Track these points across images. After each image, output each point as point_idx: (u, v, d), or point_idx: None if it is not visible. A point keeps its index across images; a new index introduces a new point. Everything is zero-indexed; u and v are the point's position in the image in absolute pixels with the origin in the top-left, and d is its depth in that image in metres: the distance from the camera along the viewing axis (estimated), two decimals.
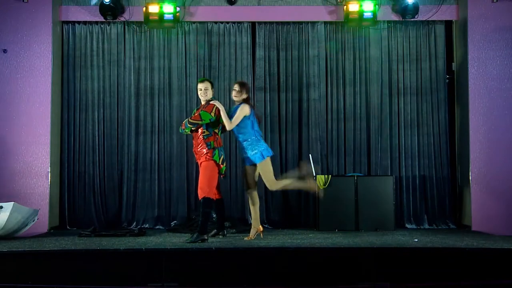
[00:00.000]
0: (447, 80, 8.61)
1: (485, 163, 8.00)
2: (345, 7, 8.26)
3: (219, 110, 6.48)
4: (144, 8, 8.20)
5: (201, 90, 6.60)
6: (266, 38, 8.59)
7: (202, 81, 6.67)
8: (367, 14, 8.16)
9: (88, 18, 8.42)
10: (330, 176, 7.70)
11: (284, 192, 8.42)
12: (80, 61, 8.51)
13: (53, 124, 8.12)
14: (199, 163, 6.60)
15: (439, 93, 8.54)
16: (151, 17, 8.15)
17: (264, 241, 6.32)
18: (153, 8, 8.12)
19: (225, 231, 6.95)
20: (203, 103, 6.63)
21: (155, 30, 8.48)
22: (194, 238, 6.17)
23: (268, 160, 6.52)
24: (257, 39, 8.57)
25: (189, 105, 8.45)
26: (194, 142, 6.62)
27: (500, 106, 8.06)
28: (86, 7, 8.40)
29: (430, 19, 8.44)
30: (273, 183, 6.54)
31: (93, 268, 5.23)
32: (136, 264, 5.24)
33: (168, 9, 8.13)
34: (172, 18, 8.18)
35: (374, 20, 8.24)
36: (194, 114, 6.59)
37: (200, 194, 6.38)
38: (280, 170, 8.43)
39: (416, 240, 6.45)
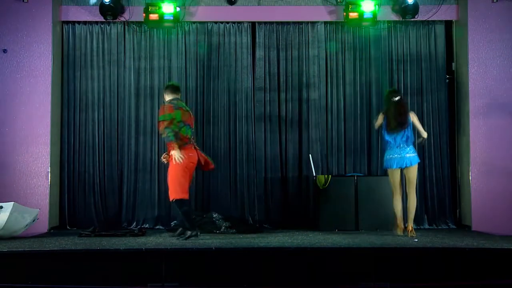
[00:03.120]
0: (447, 80, 8.61)
1: (485, 163, 7.99)
2: (345, 7, 8.27)
3: (170, 107, 6.42)
4: (144, 8, 8.20)
5: None
6: (266, 38, 8.59)
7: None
8: (367, 14, 8.16)
9: (88, 18, 8.42)
10: (330, 176, 7.71)
11: (284, 192, 8.43)
12: (80, 61, 8.51)
13: (53, 124, 8.12)
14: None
15: (439, 93, 8.54)
16: (151, 17, 8.16)
17: (264, 241, 6.32)
18: (153, 8, 8.12)
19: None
20: None
21: (155, 30, 8.48)
22: (186, 236, 6.39)
23: (389, 172, 6.99)
24: (257, 39, 8.57)
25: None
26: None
27: (500, 106, 8.05)
28: (86, 7, 8.40)
29: (430, 19, 8.43)
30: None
31: (93, 268, 5.22)
32: (136, 264, 5.23)
33: (168, 9, 8.13)
34: (172, 18, 8.18)
35: (374, 20, 8.24)
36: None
37: (172, 196, 6.46)
38: (280, 170, 8.45)
39: (416, 240, 6.45)
